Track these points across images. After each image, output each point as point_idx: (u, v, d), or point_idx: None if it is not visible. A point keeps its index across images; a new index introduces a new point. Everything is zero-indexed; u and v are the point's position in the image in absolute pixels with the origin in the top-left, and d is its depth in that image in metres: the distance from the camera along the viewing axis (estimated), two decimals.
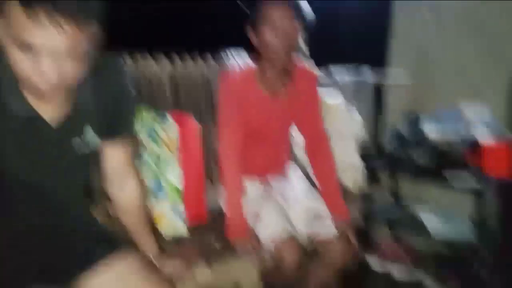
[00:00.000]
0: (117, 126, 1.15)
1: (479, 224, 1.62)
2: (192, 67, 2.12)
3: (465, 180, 1.69)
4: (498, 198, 1.82)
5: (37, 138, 1.00)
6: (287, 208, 1.72)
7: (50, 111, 0.99)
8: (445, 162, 1.75)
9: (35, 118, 0.98)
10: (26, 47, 0.82)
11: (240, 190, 1.62)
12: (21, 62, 0.84)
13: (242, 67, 1.68)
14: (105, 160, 1.20)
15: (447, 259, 1.92)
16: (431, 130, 1.88)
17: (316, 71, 1.78)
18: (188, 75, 2.10)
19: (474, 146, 1.78)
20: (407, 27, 2.25)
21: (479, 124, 1.83)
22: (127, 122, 1.20)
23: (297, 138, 1.97)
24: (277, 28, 1.49)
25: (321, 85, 2.28)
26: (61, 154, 1.05)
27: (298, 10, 1.53)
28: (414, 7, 2.22)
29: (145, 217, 1.28)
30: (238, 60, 2.04)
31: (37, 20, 0.79)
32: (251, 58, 1.65)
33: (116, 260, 1.10)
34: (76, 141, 1.05)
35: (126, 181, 1.23)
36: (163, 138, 1.67)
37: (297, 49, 1.60)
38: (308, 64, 1.76)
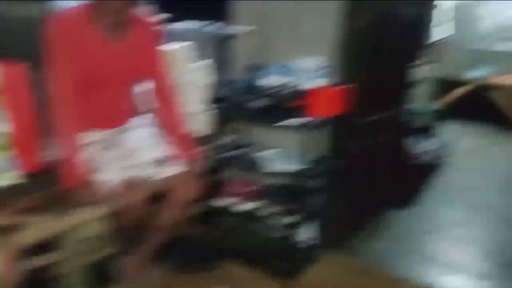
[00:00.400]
0: None
1: (307, 156, 1.89)
2: (21, 8, 1.96)
3: (294, 120, 1.92)
4: (322, 134, 2.13)
5: None
6: (130, 155, 1.77)
7: None
8: (277, 107, 1.97)
9: None
10: None
11: (75, 142, 1.59)
12: None
13: (74, 8, 1.60)
14: None
15: (286, 190, 2.19)
16: (267, 80, 2.08)
17: (160, 22, 1.80)
18: (14, 16, 1.94)
19: (303, 92, 2.03)
20: None
21: (309, 74, 2.08)
22: None
23: (146, 87, 2.01)
24: None
25: (167, 37, 2.34)
26: None
27: None
28: None
29: None
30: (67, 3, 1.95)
31: None
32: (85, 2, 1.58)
33: None
34: None
35: None
36: None
37: None
38: (152, 15, 1.76)
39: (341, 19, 2.10)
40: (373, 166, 2.58)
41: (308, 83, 2.05)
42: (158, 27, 1.84)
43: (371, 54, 2.22)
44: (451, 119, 4.98)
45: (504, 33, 5.89)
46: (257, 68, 2.12)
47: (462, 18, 5.96)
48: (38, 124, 1.77)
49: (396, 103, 2.83)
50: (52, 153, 1.76)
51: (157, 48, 1.82)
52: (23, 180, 1.65)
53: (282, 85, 2.02)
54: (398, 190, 2.96)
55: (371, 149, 2.45)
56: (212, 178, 2.13)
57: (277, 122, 1.91)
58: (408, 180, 3.13)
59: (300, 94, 2.01)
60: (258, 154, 2.08)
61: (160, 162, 1.76)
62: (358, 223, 2.53)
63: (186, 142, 1.97)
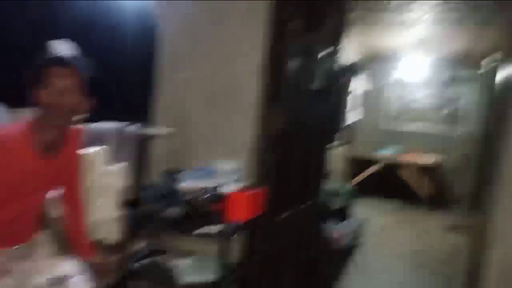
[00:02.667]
0: None
1: (223, 263, 1.85)
2: None
3: (211, 227, 1.90)
4: (239, 238, 2.12)
5: None
6: (29, 278, 1.62)
7: None
8: (194, 213, 1.94)
9: None
10: None
11: None
12: None
13: (13, 125, 1.59)
14: None
15: None
16: (184, 185, 2.06)
17: (82, 127, 1.77)
18: None
19: (220, 196, 2.03)
20: (171, 86, 2.42)
21: (226, 178, 2.10)
22: None
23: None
24: (59, 89, 1.48)
25: (86, 140, 2.28)
26: None
27: (79, 69, 1.53)
28: (177, 66, 2.40)
29: None
30: None
31: None
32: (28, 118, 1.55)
33: None
34: None
35: None
36: None
37: (79, 113, 1.58)
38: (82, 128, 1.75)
39: (257, 122, 2.19)
40: (284, 265, 2.58)
41: (225, 187, 2.07)
42: (83, 133, 1.80)
43: (284, 154, 2.30)
44: (364, 196, 5.28)
45: (409, 115, 6.53)
46: (174, 172, 2.10)
47: (372, 102, 6.54)
48: None
49: (311, 194, 2.93)
50: None
51: (78, 155, 1.80)
52: None
53: (200, 190, 2.01)
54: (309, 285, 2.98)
55: (283, 247, 2.47)
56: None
57: (193, 231, 1.86)
58: (326, 270, 3.18)
59: (217, 199, 2.01)
60: (171, 263, 2.01)
61: (56, 284, 1.62)
62: None
63: (91, 253, 1.88)
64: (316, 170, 3.00)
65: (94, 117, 2.34)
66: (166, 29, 2.46)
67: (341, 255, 3.65)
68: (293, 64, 2.22)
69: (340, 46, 2.66)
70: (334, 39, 2.66)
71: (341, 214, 4.13)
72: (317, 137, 2.86)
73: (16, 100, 1.95)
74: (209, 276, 1.90)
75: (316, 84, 2.55)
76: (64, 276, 1.65)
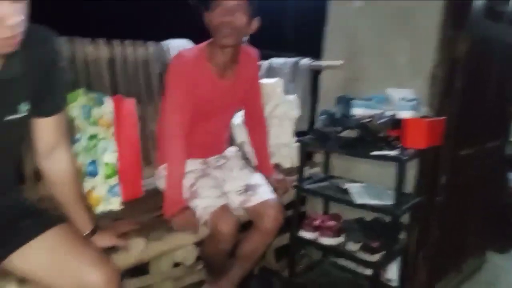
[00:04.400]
0: (48, 100, 1.16)
1: (397, 189, 1.78)
2: (131, 51, 2.16)
3: (385, 151, 1.84)
4: (417, 166, 2.01)
5: None
6: (224, 183, 1.82)
7: None
8: (370, 137, 1.90)
9: None
10: None
11: (182, 171, 1.67)
12: None
13: (191, 50, 1.75)
14: (36, 132, 1.20)
15: (369, 223, 2.08)
16: (359, 110, 2.03)
17: (257, 54, 1.88)
18: (126, 58, 2.14)
19: (396, 122, 1.94)
20: (341, 18, 2.37)
21: (402, 104, 1.99)
22: (60, 96, 1.21)
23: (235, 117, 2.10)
24: (228, 13, 1.57)
25: (261, 69, 2.43)
26: None
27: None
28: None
29: (78, 191, 1.29)
30: (179, 47, 2.13)
31: None
32: (201, 42, 1.72)
33: (49, 235, 1.14)
34: (2, 108, 1.05)
35: (58, 154, 1.23)
36: (99, 119, 1.71)
37: (246, 33, 1.67)
38: (250, 48, 1.85)
39: (437, 49, 2.01)
40: (467, 204, 2.37)
41: (401, 114, 1.97)
42: (259, 62, 1.92)
43: (468, 84, 2.08)
44: None
45: None
46: (348, 100, 2.07)
47: None
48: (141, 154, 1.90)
49: (497, 135, 2.61)
50: (153, 181, 1.87)
51: (258, 79, 1.93)
52: (124, 206, 1.75)
53: (374, 115, 1.95)
54: (496, 231, 2.70)
55: (465, 185, 2.26)
56: (296, 210, 2.09)
57: (369, 153, 1.83)
58: (508, 222, 2.84)
59: (393, 124, 1.93)
60: (344, 187, 2.01)
61: (248, 190, 1.78)
62: (448, 265, 2.32)
63: (273, 170, 2.02)
64: (505, 110, 2.65)
65: (269, 52, 2.49)
66: None
67: None
68: None
69: None
70: None
71: None
72: (508, 73, 2.51)
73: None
74: (379, 201, 1.86)
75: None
76: (255, 184, 1.80)
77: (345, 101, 2.08)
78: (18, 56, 1.01)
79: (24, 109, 1.09)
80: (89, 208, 1.44)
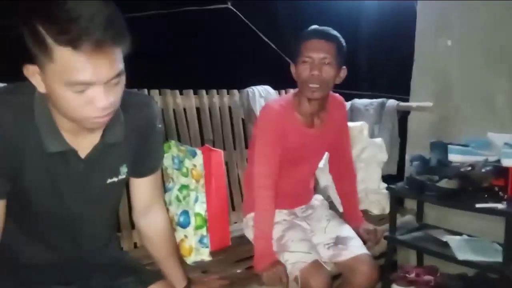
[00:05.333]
0: (146, 161, 1.20)
1: (507, 245, 1.60)
2: (216, 99, 2.23)
3: (490, 203, 1.68)
4: None
5: (68, 169, 1.04)
6: (312, 235, 1.75)
7: (81, 144, 1.03)
8: (470, 186, 1.75)
9: (68, 152, 1.01)
10: (80, 85, 0.86)
11: (271, 223, 1.65)
12: (73, 101, 0.88)
13: (281, 99, 1.78)
14: (133, 191, 1.24)
15: (473, 282, 1.89)
16: (456, 156, 1.89)
17: (343, 100, 1.85)
18: (212, 107, 2.21)
19: (500, 170, 1.77)
20: (429, 57, 2.27)
21: (504, 150, 1.83)
22: (156, 158, 1.24)
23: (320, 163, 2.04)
24: (316, 67, 1.57)
25: (349, 114, 2.37)
26: (89, 184, 1.08)
27: (337, 46, 1.60)
28: (436, 34, 2.24)
29: (173, 248, 1.32)
30: (262, 95, 2.15)
31: (86, 55, 0.83)
32: (289, 91, 1.76)
33: None
34: (104, 172, 1.10)
35: (154, 212, 1.26)
36: (192, 170, 1.74)
37: (334, 83, 1.66)
38: (336, 94, 1.83)
39: None
40: None
41: (506, 161, 1.80)
42: (345, 105, 1.89)
43: None
44: None
45: None
46: (445, 146, 1.94)
47: None
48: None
49: None
50: (239, 227, 1.87)
51: (346, 125, 1.89)
52: (213, 257, 1.75)
53: (476, 163, 1.80)
54: None
55: None
56: (388, 262, 1.96)
57: (474, 205, 1.67)
58: None
59: (497, 173, 1.76)
60: (443, 239, 1.85)
61: (338, 243, 1.69)
62: None
63: (363, 220, 1.91)
64: None
65: (357, 93, 2.44)
66: None
67: None
68: None
69: None
70: None
71: None
72: None
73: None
74: (491, 256, 1.68)
75: None
76: (346, 236, 1.71)
77: (441, 147, 1.95)
78: (119, 120, 1.05)
79: (123, 171, 1.13)
80: (181, 260, 1.45)
